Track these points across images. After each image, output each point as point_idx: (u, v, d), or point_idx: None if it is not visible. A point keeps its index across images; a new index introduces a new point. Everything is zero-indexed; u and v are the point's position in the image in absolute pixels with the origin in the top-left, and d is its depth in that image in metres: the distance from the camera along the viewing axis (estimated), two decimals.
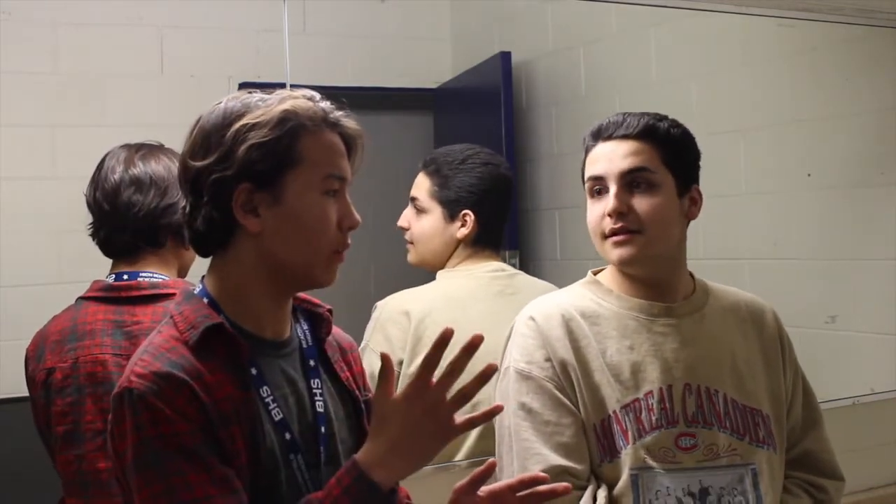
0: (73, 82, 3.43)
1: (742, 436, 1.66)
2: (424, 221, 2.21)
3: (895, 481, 2.76)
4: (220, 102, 1.31)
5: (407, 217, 2.25)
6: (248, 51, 3.62)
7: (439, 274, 2.22)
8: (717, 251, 2.91)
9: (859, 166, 2.90)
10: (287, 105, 1.28)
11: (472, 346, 1.22)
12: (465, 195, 2.18)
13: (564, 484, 1.40)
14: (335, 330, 1.44)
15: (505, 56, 3.72)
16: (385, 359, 1.24)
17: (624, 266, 1.67)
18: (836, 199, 2.96)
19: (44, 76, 3.39)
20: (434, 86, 4.13)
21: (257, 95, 1.31)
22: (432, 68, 4.15)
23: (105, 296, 1.80)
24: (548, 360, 1.64)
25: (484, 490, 1.35)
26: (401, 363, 2.04)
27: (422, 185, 2.23)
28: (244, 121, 1.26)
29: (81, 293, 1.84)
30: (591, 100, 3.61)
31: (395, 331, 2.08)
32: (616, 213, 1.62)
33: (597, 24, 3.55)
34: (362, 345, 2.10)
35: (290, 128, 1.27)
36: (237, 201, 1.26)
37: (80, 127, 3.36)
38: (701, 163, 1.73)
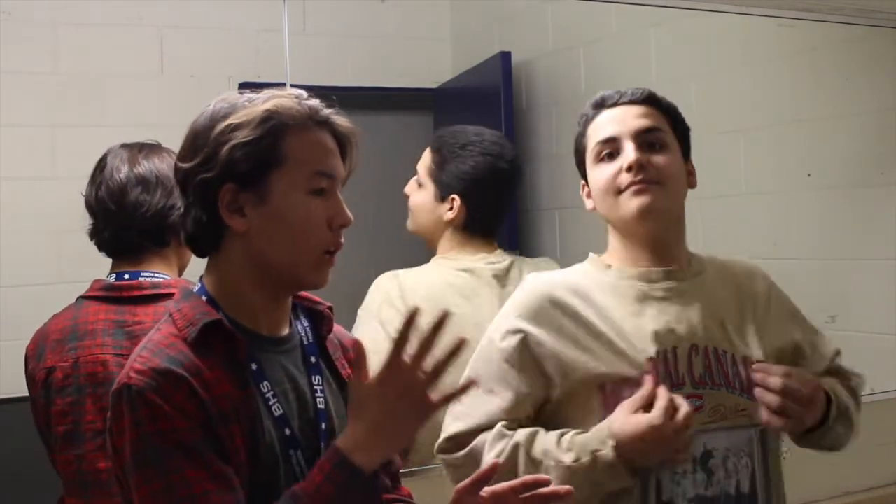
0: (73, 82, 3.43)
1: (752, 396, 1.61)
2: (419, 195, 2.26)
3: (895, 481, 2.76)
4: (211, 104, 1.31)
5: (411, 185, 2.30)
6: (248, 51, 3.63)
7: (433, 260, 2.24)
8: (717, 251, 2.90)
9: (859, 166, 2.90)
10: (270, 104, 1.27)
11: (441, 322, 1.20)
12: (455, 180, 2.19)
13: (567, 487, 1.39)
14: (336, 328, 1.44)
15: (505, 56, 3.73)
16: (357, 345, 1.24)
17: (643, 217, 1.62)
18: (836, 199, 2.96)
19: (44, 76, 3.40)
20: (434, 86, 4.13)
21: (245, 96, 1.30)
22: (432, 68, 4.15)
23: (106, 295, 1.79)
24: (512, 332, 1.63)
25: (486, 491, 1.35)
26: None
27: (424, 160, 2.27)
28: (228, 121, 1.26)
29: (82, 293, 1.83)
30: (590, 100, 3.61)
31: (400, 304, 2.09)
32: (637, 165, 1.60)
33: (597, 24, 3.55)
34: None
35: (272, 127, 1.26)
36: (222, 202, 1.26)
37: (80, 127, 3.36)
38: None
